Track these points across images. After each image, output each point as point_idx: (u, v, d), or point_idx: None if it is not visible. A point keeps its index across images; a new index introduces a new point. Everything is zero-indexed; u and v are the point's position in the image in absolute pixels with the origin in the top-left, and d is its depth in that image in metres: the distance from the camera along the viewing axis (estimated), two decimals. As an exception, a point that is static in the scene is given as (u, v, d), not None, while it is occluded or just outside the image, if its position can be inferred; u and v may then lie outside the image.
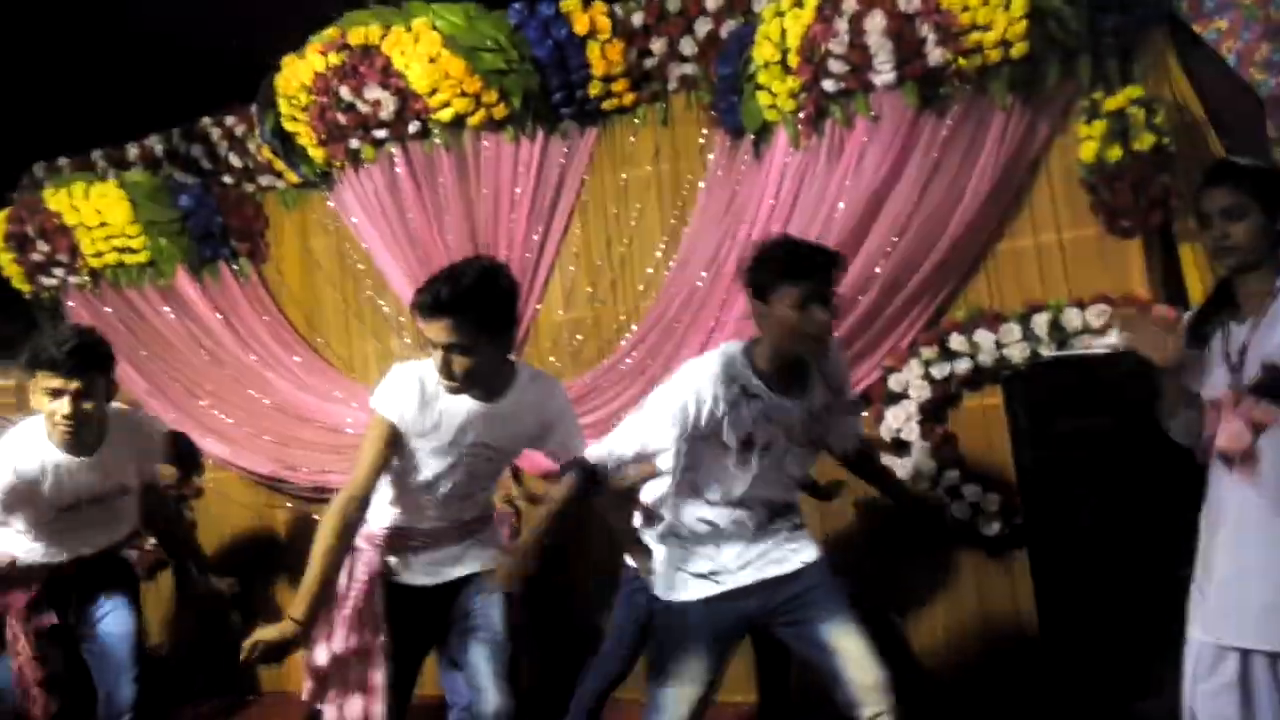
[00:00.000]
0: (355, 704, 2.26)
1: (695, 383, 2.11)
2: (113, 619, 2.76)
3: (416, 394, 2.20)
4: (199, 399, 4.37)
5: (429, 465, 2.26)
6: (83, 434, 2.58)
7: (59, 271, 4.46)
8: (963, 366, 3.22)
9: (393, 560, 2.33)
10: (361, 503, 2.19)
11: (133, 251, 4.33)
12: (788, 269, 2.09)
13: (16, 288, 4.57)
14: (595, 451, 2.17)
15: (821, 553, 2.31)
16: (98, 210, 4.27)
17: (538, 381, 2.38)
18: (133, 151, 4.64)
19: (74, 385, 2.50)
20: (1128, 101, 2.98)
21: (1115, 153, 2.98)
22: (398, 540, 2.33)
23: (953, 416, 3.31)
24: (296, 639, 2.09)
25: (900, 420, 3.28)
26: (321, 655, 2.28)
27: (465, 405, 2.23)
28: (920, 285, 3.29)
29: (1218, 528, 1.96)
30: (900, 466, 3.28)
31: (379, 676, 2.25)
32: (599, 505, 2.33)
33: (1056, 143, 3.20)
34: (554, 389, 2.43)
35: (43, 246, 4.39)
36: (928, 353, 3.26)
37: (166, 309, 4.44)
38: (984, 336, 3.18)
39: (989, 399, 3.19)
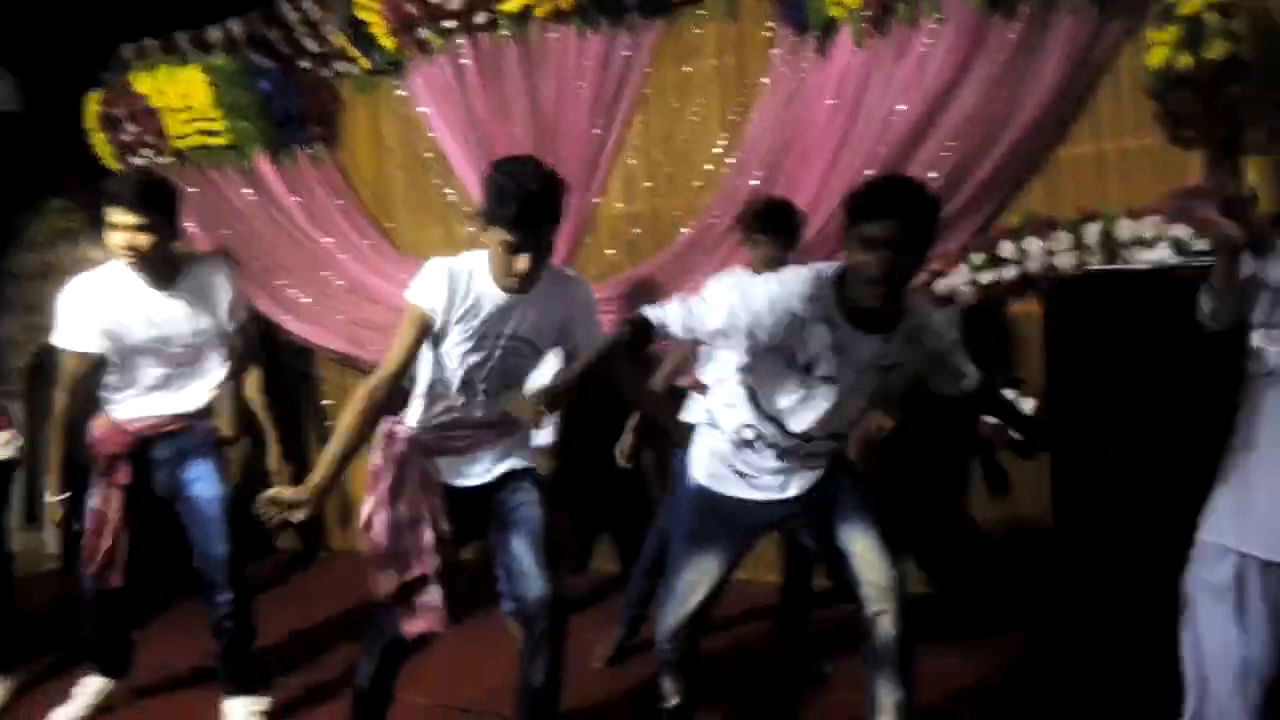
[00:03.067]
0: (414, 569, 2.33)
1: (777, 290, 2.03)
2: (202, 484, 2.94)
3: (446, 285, 2.23)
4: (277, 279, 4.59)
5: (463, 357, 2.30)
6: (152, 266, 2.71)
7: (147, 152, 4.67)
8: (1010, 273, 3.25)
9: (438, 461, 2.40)
10: (388, 386, 2.24)
11: (215, 134, 4.50)
12: (858, 207, 1.95)
13: (108, 166, 4.77)
14: (651, 310, 2.09)
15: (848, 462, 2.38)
16: (182, 94, 4.44)
17: (564, 276, 2.44)
18: (214, 35, 4.76)
19: (133, 220, 2.62)
20: (1204, 6, 2.86)
21: (1185, 60, 2.89)
22: (437, 440, 2.40)
23: (997, 322, 3.36)
24: (307, 505, 2.13)
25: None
26: (379, 523, 2.34)
27: (496, 296, 2.26)
28: (976, 191, 3.30)
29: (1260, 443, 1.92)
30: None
31: (428, 537, 2.33)
32: (622, 373, 2.30)
33: (1126, 48, 3.14)
34: (579, 287, 2.45)
35: (131, 128, 4.58)
36: (977, 258, 3.30)
37: (247, 190, 4.60)
38: (1034, 244, 3.20)
39: (1033, 307, 3.23)
